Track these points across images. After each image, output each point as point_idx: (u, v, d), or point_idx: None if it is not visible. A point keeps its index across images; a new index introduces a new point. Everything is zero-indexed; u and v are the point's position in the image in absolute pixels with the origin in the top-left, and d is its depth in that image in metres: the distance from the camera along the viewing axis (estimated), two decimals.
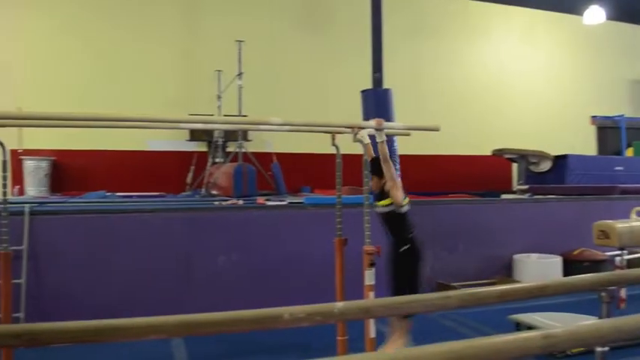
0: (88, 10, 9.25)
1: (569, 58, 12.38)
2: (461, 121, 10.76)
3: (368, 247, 3.47)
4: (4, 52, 8.76)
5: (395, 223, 3.65)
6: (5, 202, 3.49)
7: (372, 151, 3.73)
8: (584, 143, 11.63)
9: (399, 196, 3.55)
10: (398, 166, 5.82)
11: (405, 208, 3.63)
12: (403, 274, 3.58)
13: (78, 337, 1.25)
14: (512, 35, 11.97)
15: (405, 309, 1.44)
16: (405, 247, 3.60)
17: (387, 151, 3.55)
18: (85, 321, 1.27)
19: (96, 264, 4.63)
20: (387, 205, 3.63)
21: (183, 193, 8.25)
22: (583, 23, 11.52)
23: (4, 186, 3.47)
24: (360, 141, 3.53)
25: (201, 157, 9.13)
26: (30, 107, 8.45)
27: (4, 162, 3.40)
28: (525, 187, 8.79)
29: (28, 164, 8.32)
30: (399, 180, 3.65)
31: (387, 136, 3.72)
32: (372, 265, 3.46)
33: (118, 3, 9.42)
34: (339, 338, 3.83)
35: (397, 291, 3.50)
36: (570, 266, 6.49)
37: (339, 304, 1.37)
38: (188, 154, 9.19)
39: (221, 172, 7.06)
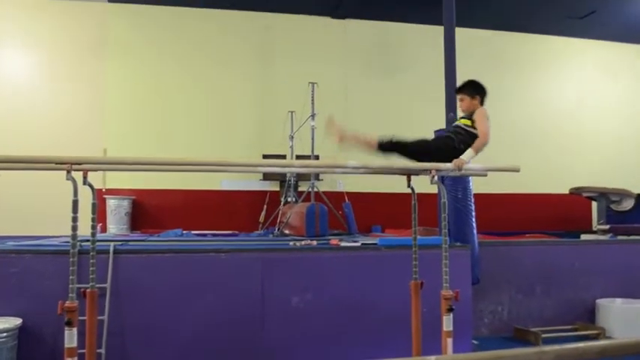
0: (165, 58, 9.75)
1: None
2: (537, 159, 10.50)
3: (446, 292, 3.40)
4: (90, 99, 9.38)
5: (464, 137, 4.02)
6: (94, 242, 3.66)
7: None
8: None
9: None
10: (473, 207, 5.71)
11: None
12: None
13: None
14: (590, 70, 11.61)
15: None
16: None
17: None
18: None
19: (173, 302, 4.74)
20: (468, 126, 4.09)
21: (256, 232, 8.38)
22: None
23: (93, 227, 3.64)
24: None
25: (273, 195, 9.30)
26: (114, 149, 9.00)
27: (94, 204, 3.57)
28: (606, 226, 8.41)
29: (111, 203, 8.73)
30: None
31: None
32: (449, 310, 3.38)
33: (193, 50, 9.87)
34: None
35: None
36: None
37: (432, 358, 1.35)
38: (260, 194, 9.37)
39: (294, 212, 7.13)
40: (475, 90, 4.28)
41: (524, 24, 10.85)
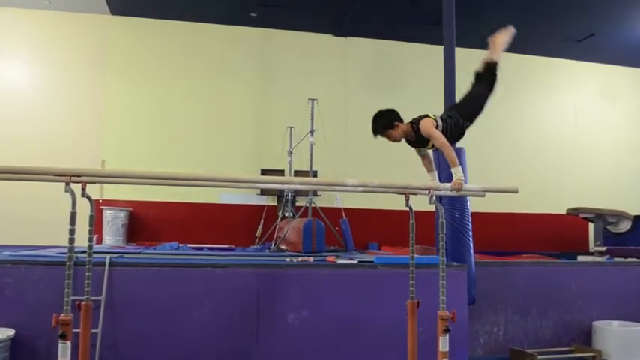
0: (165, 71, 9.82)
1: None
2: (534, 179, 10.54)
3: (442, 312, 3.38)
4: (90, 110, 9.42)
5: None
6: (90, 254, 3.64)
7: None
8: None
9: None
10: (470, 226, 5.70)
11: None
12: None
13: None
14: (588, 91, 11.72)
15: None
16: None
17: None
18: None
19: (168, 316, 4.71)
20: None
21: (253, 247, 8.36)
22: None
23: (90, 239, 3.63)
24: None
25: (271, 210, 9.30)
26: (112, 160, 9.01)
27: (92, 217, 3.55)
28: (603, 248, 8.42)
29: (108, 214, 8.73)
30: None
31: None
32: (446, 330, 3.36)
33: (194, 63, 9.93)
34: None
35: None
36: None
37: None
38: (258, 208, 9.38)
39: (291, 228, 7.12)
40: (389, 121, 4.25)
41: (523, 45, 10.91)
